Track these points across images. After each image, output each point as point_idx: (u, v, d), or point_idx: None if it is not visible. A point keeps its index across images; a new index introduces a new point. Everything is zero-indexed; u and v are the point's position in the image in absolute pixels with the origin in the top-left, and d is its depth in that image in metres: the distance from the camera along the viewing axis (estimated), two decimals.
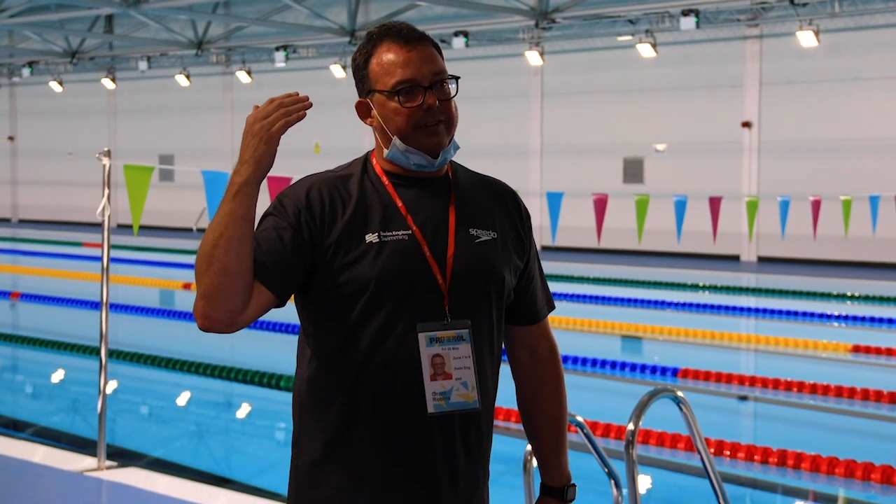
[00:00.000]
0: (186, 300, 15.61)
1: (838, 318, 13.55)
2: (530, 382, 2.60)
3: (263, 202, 2.35)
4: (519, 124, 25.24)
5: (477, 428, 2.41)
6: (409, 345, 2.32)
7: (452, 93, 2.40)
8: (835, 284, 17.25)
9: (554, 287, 15.41)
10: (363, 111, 2.44)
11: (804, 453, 6.69)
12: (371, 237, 2.33)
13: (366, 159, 2.47)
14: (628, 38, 22.83)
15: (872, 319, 13.21)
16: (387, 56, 2.37)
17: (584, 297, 15.14)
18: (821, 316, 13.53)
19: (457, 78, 2.41)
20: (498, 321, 2.46)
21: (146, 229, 27.11)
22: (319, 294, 2.35)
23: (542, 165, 25.12)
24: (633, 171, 23.79)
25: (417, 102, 2.36)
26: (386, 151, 2.41)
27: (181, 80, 29.60)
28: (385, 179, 2.41)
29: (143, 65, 29.53)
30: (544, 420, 2.61)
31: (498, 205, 2.50)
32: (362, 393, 2.33)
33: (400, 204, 2.39)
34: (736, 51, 22.38)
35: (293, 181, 2.49)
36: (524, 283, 2.54)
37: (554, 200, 15.21)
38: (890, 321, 13.31)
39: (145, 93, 31.70)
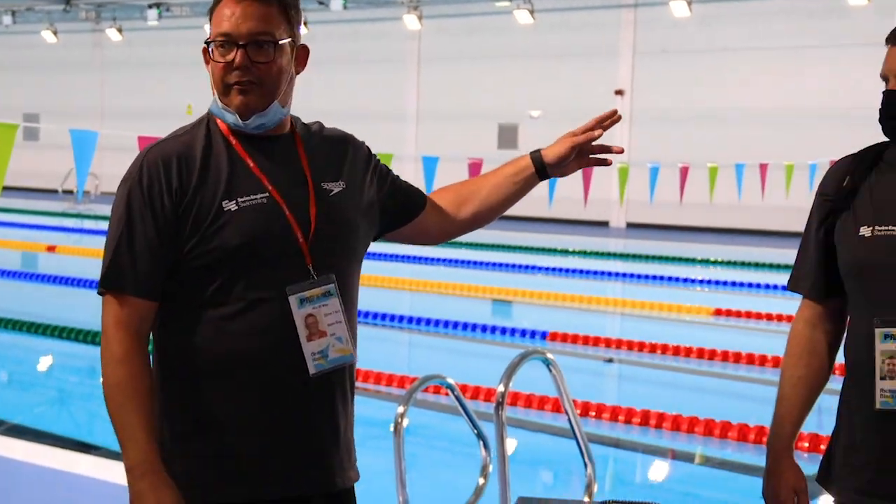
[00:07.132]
0: (51, 263, 15.17)
1: (702, 282, 13.94)
2: (458, 216, 2.64)
3: (131, 157, 2.28)
4: (395, 89, 25.15)
5: (351, 379, 2.40)
6: (281, 309, 2.27)
7: (271, 57, 2.27)
8: (699, 250, 17.73)
9: (426, 252, 15.46)
10: (206, 59, 2.36)
11: (666, 413, 6.87)
12: (228, 204, 2.25)
13: (208, 118, 2.37)
14: (506, 4, 22.92)
15: (734, 283, 13.62)
16: (223, 7, 2.29)
17: (457, 261, 15.23)
18: (685, 280, 13.90)
19: (276, 42, 2.28)
20: (357, 270, 2.45)
21: (9, 190, 26.19)
22: (179, 265, 2.26)
23: (418, 130, 25.12)
24: (507, 136, 23.96)
25: (227, 59, 2.27)
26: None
27: (48, 36, 28.61)
28: (233, 139, 2.33)
29: (7, 19, 28.43)
30: (483, 190, 2.66)
31: (340, 153, 2.46)
32: (236, 363, 2.26)
33: (252, 164, 2.31)
34: (612, 19, 22.68)
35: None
36: (394, 187, 2.55)
37: (429, 165, 15.19)
38: (751, 285, 13.76)
39: (9, 49, 30.55)
